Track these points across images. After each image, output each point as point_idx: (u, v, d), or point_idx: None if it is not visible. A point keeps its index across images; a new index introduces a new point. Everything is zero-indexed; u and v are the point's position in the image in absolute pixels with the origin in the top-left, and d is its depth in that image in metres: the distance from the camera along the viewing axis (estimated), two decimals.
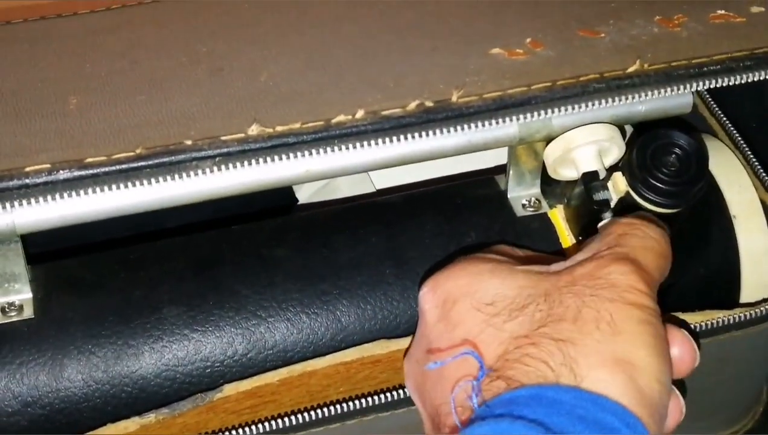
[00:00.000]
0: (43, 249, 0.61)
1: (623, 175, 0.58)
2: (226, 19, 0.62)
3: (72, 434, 0.55)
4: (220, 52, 0.59)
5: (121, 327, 0.56)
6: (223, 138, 0.50)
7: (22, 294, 0.56)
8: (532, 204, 0.62)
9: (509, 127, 0.57)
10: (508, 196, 0.63)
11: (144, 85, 0.55)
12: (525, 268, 0.51)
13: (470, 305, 0.49)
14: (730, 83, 0.57)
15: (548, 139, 0.59)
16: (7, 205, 0.51)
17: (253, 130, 0.51)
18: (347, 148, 0.52)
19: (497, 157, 0.67)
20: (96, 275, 0.59)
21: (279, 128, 0.51)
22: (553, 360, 0.44)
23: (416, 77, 0.55)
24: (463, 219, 0.61)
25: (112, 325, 0.56)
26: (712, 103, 0.70)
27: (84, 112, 0.53)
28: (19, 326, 0.56)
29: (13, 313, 0.56)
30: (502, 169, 0.64)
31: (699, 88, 0.56)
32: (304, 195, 0.74)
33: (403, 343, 0.57)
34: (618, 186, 0.58)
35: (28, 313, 0.56)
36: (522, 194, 0.63)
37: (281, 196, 0.73)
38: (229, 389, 0.55)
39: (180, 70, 0.57)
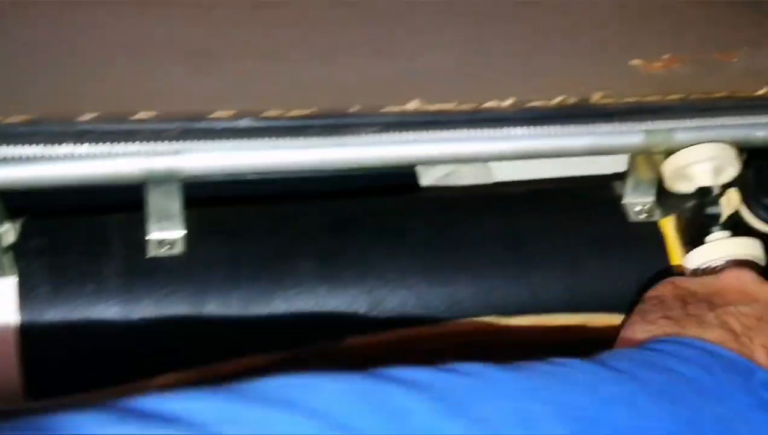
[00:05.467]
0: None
1: (738, 191, 0.62)
2: (383, 8, 0.67)
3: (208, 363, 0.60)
4: (379, 36, 0.64)
5: (259, 272, 0.61)
6: (385, 109, 0.55)
7: (177, 231, 0.61)
8: (645, 211, 0.66)
9: (635, 135, 0.61)
10: (624, 201, 0.67)
11: (312, 57, 0.61)
12: None
13: None
14: None
15: (668, 153, 0.63)
16: (189, 145, 0.56)
17: (412, 105, 0.56)
18: (493, 132, 0.57)
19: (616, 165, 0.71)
20: (242, 224, 0.64)
21: (435, 106, 0.56)
22: None
23: (561, 76, 0.59)
24: (579, 216, 0.66)
25: (251, 270, 0.61)
26: None
27: (259, 74, 0.59)
28: (170, 260, 0.61)
29: (166, 247, 0.61)
30: (619, 177, 0.68)
31: None
32: (428, 180, 0.78)
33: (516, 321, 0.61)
34: (732, 202, 0.62)
35: (179, 249, 0.61)
36: (636, 201, 0.66)
37: (406, 179, 0.78)
38: (350, 341, 0.60)
39: (345, 46, 0.62)
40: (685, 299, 0.58)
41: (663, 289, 0.60)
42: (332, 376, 0.44)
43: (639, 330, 0.57)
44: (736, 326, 0.55)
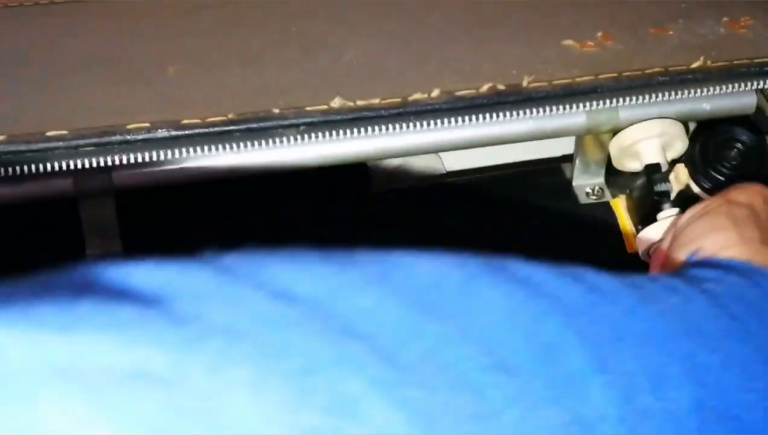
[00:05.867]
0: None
1: (686, 167, 0.61)
2: (317, 3, 0.66)
3: None
4: (309, 32, 0.62)
5: None
6: (308, 108, 0.54)
7: (113, 247, 0.60)
8: (595, 193, 0.65)
9: (578, 116, 0.60)
10: (573, 184, 0.66)
11: (238, 59, 0.59)
12: None
13: None
14: None
15: (614, 132, 0.62)
16: (108, 159, 0.54)
17: (336, 102, 0.54)
18: (422, 125, 0.55)
19: (565, 148, 0.70)
20: (180, 236, 0.62)
21: (359, 102, 0.54)
22: None
23: (491, 63, 0.58)
24: (530, 203, 0.64)
25: None
26: None
27: (181, 80, 0.57)
28: None
29: None
30: (568, 159, 0.67)
31: (760, 87, 0.58)
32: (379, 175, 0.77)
33: None
34: (680, 177, 0.61)
35: None
36: (587, 183, 0.66)
37: (358, 174, 0.77)
38: None
39: (271, 46, 0.61)
40: None
41: (753, 197, 0.54)
42: (489, 276, 0.39)
43: (735, 242, 0.51)
44: None
